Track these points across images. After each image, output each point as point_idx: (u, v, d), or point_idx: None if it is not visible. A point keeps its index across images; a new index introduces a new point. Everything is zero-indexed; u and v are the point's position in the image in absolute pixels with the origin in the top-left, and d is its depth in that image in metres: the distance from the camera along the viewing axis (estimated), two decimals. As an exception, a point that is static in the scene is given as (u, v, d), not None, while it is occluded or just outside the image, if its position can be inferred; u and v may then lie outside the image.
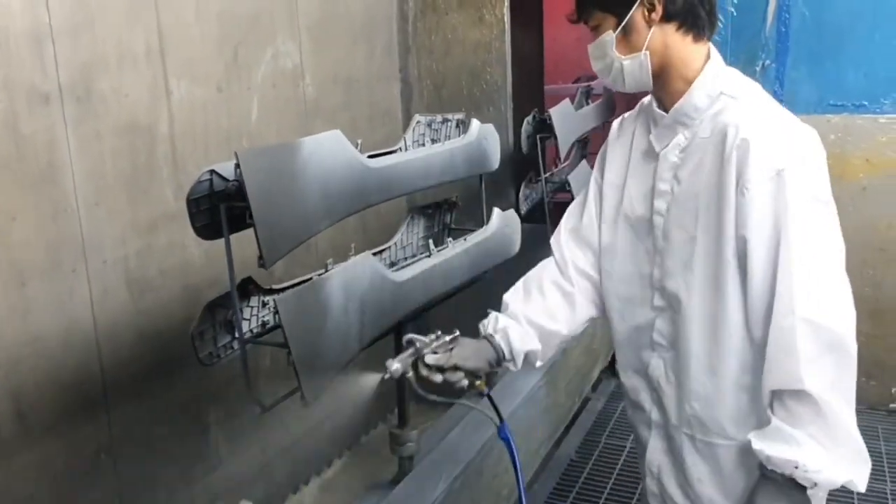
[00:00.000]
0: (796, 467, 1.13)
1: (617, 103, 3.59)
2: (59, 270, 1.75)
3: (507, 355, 1.40)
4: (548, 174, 3.07)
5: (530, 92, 3.73)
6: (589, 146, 3.49)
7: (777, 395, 1.17)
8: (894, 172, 3.12)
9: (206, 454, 2.20)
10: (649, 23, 1.25)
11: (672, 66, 1.28)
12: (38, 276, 1.71)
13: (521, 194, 2.96)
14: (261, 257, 1.29)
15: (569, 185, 3.10)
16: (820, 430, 1.13)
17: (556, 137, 2.91)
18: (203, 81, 2.12)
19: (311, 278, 1.50)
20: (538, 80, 4.11)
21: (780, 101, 1.31)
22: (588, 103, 3.43)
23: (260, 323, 1.58)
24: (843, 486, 1.16)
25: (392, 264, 1.89)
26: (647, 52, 1.26)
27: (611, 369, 3.59)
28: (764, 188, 1.17)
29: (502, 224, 2.12)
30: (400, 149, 1.79)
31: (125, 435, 1.91)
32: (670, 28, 1.26)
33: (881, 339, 3.21)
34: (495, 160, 2.11)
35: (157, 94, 1.98)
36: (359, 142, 1.58)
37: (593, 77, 3.67)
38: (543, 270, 1.49)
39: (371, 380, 1.40)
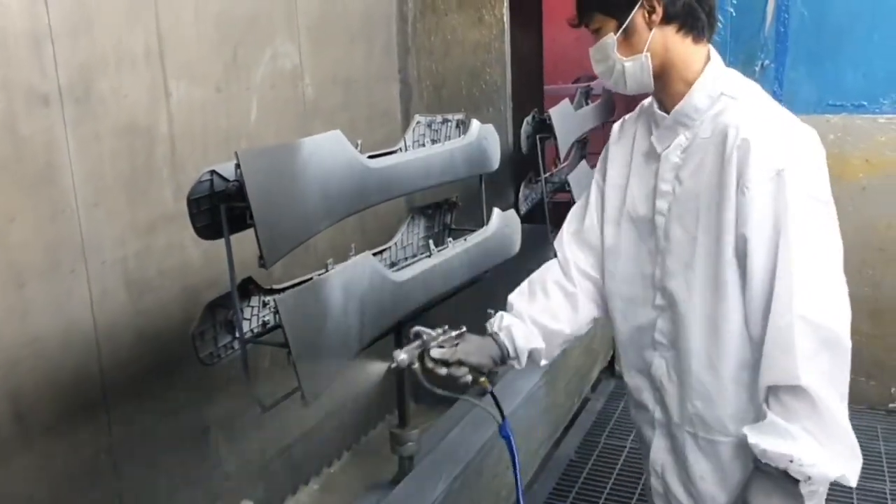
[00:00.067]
0: (791, 461, 1.14)
1: (616, 104, 3.59)
2: (58, 271, 1.75)
3: (511, 353, 1.43)
4: (547, 174, 3.07)
5: (530, 92, 3.73)
6: (588, 146, 3.49)
7: (773, 390, 1.19)
8: (893, 172, 3.12)
9: (206, 454, 2.20)
10: (650, 25, 1.26)
11: (673, 68, 1.29)
12: (36, 276, 1.70)
13: (520, 194, 2.96)
14: (261, 257, 1.30)
15: (568, 185, 3.10)
16: (815, 425, 1.14)
17: (555, 138, 2.92)
18: (202, 82, 2.12)
19: (311, 278, 1.50)
20: (537, 80, 4.11)
21: (780, 102, 1.31)
22: (587, 103, 3.43)
23: (260, 323, 1.58)
24: (836, 482, 1.18)
25: (392, 264, 1.89)
26: (648, 54, 1.27)
27: (610, 370, 3.60)
28: (764, 188, 1.18)
29: (502, 224, 2.12)
30: (400, 149, 1.79)
31: (125, 435, 1.91)
32: (670, 30, 1.27)
33: (880, 339, 3.21)
34: (495, 160, 2.12)
35: (156, 94, 1.98)
36: (359, 142, 1.58)
37: (593, 77, 3.67)
38: (547, 272, 1.53)
39: (378, 368, 1.45)
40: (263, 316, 1.59)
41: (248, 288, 1.52)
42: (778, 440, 1.16)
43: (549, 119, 2.90)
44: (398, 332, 1.75)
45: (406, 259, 1.95)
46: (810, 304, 1.15)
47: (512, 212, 2.20)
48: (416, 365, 1.37)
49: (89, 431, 1.84)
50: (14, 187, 1.64)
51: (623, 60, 1.29)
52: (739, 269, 1.23)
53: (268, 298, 1.57)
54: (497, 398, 1.46)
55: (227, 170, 1.32)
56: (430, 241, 1.96)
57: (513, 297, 1.51)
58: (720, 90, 1.28)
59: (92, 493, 1.85)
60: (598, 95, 3.56)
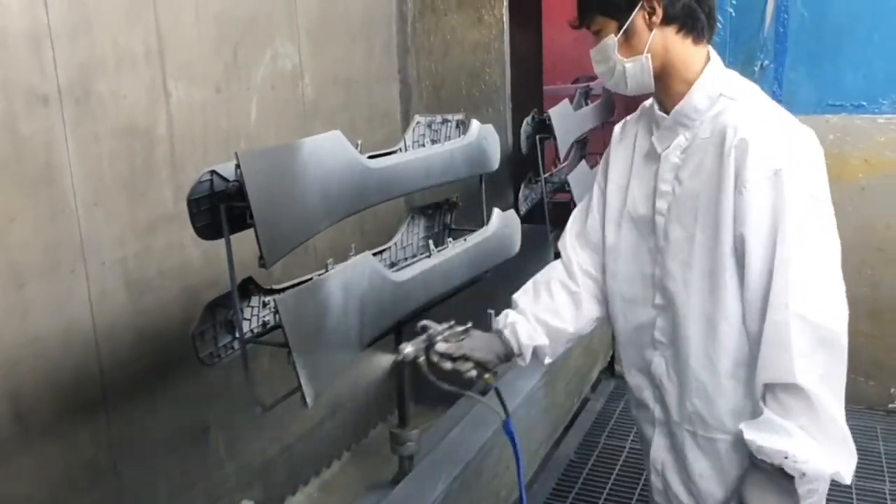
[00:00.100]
0: (786, 457, 1.15)
1: (616, 104, 3.59)
2: (58, 271, 1.75)
3: (516, 349, 1.46)
4: (547, 174, 3.07)
5: (529, 92, 3.73)
6: (588, 146, 3.50)
7: (769, 388, 1.20)
8: (893, 172, 3.12)
9: (206, 454, 2.20)
10: (650, 26, 1.28)
11: (673, 68, 1.31)
12: (36, 277, 1.70)
13: (520, 195, 2.96)
14: (261, 257, 1.30)
15: (568, 185, 3.10)
16: (810, 423, 1.15)
17: (555, 138, 2.92)
18: (202, 83, 2.12)
19: (311, 278, 1.50)
20: (537, 80, 4.11)
21: (779, 102, 1.32)
22: (587, 104, 3.44)
23: (260, 323, 1.59)
24: (834, 481, 1.19)
25: (392, 264, 1.89)
26: (649, 55, 1.29)
27: (610, 370, 3.60)
28: (762, 187, 1.19)
29: (502, 224, 2.12)
30: (400, 149, 1.80)
31: (125, 436, 1.91)
32: (670, 31, 1.29)
33: (880, 339, 3.22)
34: (495, 160, 2.12)
35: (155, 95, 1.98)
36: (359, 142, 1.58)
37: (592, 77, 3.67)
38: (551, 272, 1.55)
39: (385, 360, 1.47)
40: (263, 316, 1.59)
41: (248, 288, 1.52)
42: (773, 437, 1.17)
43: (549, 119, 2.90)
44: (398, 332, 1.75)
45: (406, 259, 1.95)
46: (806, 302, 1.16)
47: (512, 212, 2.21)
48: (422, 358, 1.40)
49: (89, 431, 1.84)
50: (14, 187, 1.65)
51: (624, 61, 1.30)
52: (737, 268, 1.24)
53: (268, 298, 1.57)
54: (501, 394, 1.48)
55: (228, 170, 1.33)
56: (430, 242, 1.96)
57: (517, 296, 1.54)
58: (719, 91, 1.29)
59: (92, 493, 1.85)
60: (598, 96, 3.56)
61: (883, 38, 3.06)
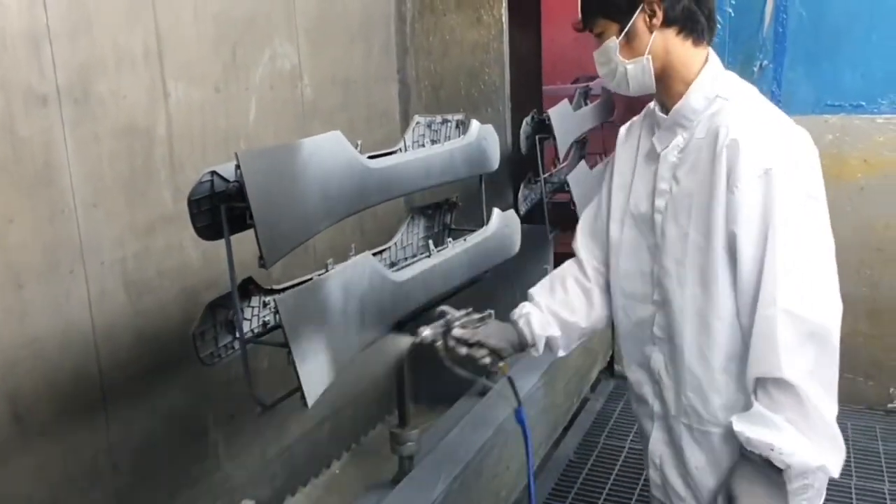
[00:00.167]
0: (772, 449, 1.18)
1: (616, 104, 3.59)
2: (57, 272, 1.75)
3: (530, 339, 1.50)
4: (547, 174, 3.06)
5: (528, 92, 3.72)
6: (587, 146, 3.49)
7: (760, 382, 1.22)
8: (892, 172, 3.13)
9: (206, 454, 2.20)
10: (650, 28, 1.31)
11: (673, 70, 1.33)
12: (35, 277, 1.70)
13: (520, 195, 2.95)
14: (261, 257, 1.30)
15: (567, 185, 3.09)
16: (798, 416, 1.18)
17: (554, 138, 2.91)
18: (201, 83, 2.12)
19: (311, 278, 1.50)
20: (536, 80, 4.10)
21: (778, 102, 1.33)
22: (586, 104, 3.43)
23: (260, 323, 1.59)
24: (833, 481, 1.22)
25: (392, 264, 1.89)
26: (650, 57, 1.32)
27: (609, 370, 3.60)
28: (752, 186, 1.22)
29: (502, 224, 2.12)
30: (400, 149, 1.80)
31: (124, 436, 1.91)
32: (671, 33, 1.31)
33: (879, 339, 3.22)
34: (495, 160, 2.12)
35: (154, 95, 1.98)
36: (359, 142, 1.58)
37: (592, 77, 3.67)
38: (568, 268, 1.60)
39: (403, 342, 1.52)
40: (263, 316, 1.59)
41: (248, 288, 1.52)
42: (762, 429, 1.19)
43: (548, 119, 2.90)
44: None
45: (406, 259, 1.95)
46: (794, 298, 1.18)
47: (511, 212, 2.21)
48: (439, 342, 1.44)
49: (88, 432, 1.84)
50: (12, 188, 1.64)
51: (625, 63, 1.33)
52: (729, 265, 1.26)
53: (268, 298, 1.57)
54: (514, 383, 1.52)
55: (228, 170, 1.33)
56: (430, 242, 1.97)
57: (534, 290, 1.59)
58: (716, 92, 1.32)
59: (91, 493, 1.84)
60: (597, 96, 3.55)
61: (881, 37, 3.07)
